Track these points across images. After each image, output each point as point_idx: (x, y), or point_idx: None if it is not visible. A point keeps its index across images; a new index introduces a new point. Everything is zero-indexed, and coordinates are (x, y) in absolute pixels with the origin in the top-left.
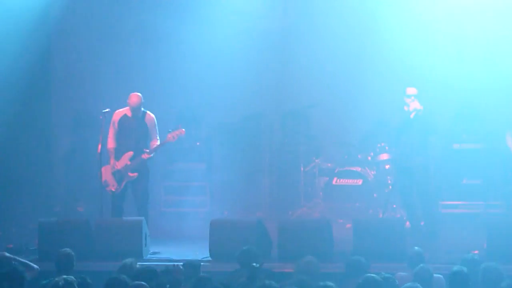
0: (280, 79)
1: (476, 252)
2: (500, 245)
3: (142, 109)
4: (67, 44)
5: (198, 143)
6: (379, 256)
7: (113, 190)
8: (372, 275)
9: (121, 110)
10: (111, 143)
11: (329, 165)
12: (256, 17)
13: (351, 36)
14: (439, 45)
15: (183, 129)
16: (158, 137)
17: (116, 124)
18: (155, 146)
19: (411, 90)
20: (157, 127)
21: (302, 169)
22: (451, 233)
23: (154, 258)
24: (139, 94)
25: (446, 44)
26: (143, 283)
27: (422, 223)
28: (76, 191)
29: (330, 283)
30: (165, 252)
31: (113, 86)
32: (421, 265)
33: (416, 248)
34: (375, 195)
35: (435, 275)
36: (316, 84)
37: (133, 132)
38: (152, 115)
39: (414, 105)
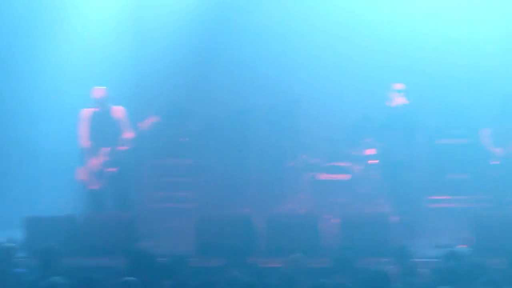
0: (267, 74)
1: (463, 246)
2: (486, 239)
3: (109, 103)
4: None
5: (185, 139)
6: (366, 251)
7: (94, 187)
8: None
9: (89, 107)
10: (84, 141)
11: (316, 160)
12: (243, 11)
13: (338, 31)
14: (424, 40)
15: (156, 117)
16: (130, 130)
17: (86, 121)
18: (129, 137)
19: (397, 86)
20: (127, 119)
21: (288, 164)
22: (437, 228)
23: None
24: (103, 88)
25: (431, 39)
26: None
27: (408, 218)
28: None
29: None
30: (152, 247)
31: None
32: (407, 260)
33: (402, 243)
34: (361, 190)
35: (421, 269)
36: (302, 79)
37: (104, 127)
38: (121, 107)
39: (400, 100)
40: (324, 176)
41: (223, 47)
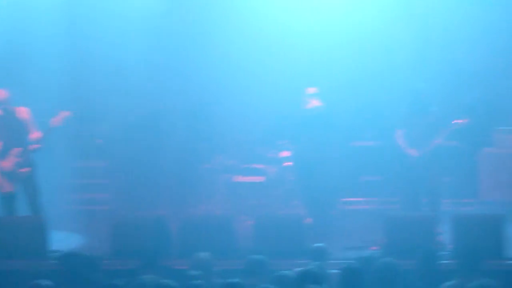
0: (182, 76)
1: (374, 248)
2: (397, 241)
3: (11, 104)
4: None
5: (99, 141)
6: (280, 252)
7: (4, 191)
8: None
9: None
10: None
11: (231, 162)
12: (158, 15)
13: (252, 34)
14: (338, 42)
15: (67, 111)
16: (39, 131)
17: None
18: (37, 137)
19: (311, 88)
20: (33, 119)
21: (204, 166)
22: (350, 230)
23: None
24: (2, 89)
25: (346, 41)
26: None
27: (322, 220)
28: None
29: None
30: (65, 250)
31: None
32: (318, 262)
33: (317, 244)
34: (276, 192)
35: (331, 270)
36: (217, 81)
37: (9, 129)
38: (24, 108)
39: (314, 102)
40: (239, 178)
41: (138, 49)
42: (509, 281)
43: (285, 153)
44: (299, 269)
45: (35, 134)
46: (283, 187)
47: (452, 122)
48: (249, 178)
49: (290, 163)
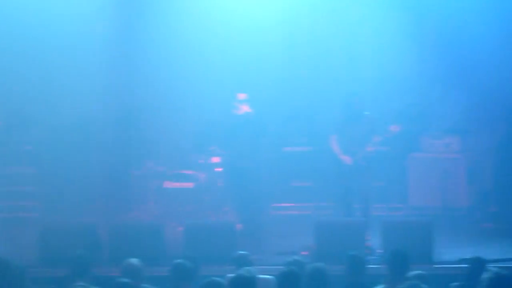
0: (111, 82)
1: (305, 253)
2: (327, 245)
3: None
4: None
5: (27, 147)
6: (210, 258)
7: None
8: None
9: None
10: None
11: (162, 168)
12: (83, 18)
13: (182, 39)
14: (269, 48)
15: None
16: None
17: None
18: None
19: (241, 94)
20: None
21: (134, 172)
22: (281, 235)
23: None
24: None
25: (276, 47)
26: None
27: (253, 225)
28: None
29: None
30: None
31: None
32: (246, 268)
33: (241, 251)
34: (207, 197)
35: (263, 276)
36: (147, 86)
37: None
38: None
39: (245, 108)
40: (169, 184)
41: (67, 54)
42: (437, 285)
43: (216, 159)
44: (230, 275)
45: None
46: (213, 193)
47: (384, 128)
48: (179, 184)
49: (220, 169)
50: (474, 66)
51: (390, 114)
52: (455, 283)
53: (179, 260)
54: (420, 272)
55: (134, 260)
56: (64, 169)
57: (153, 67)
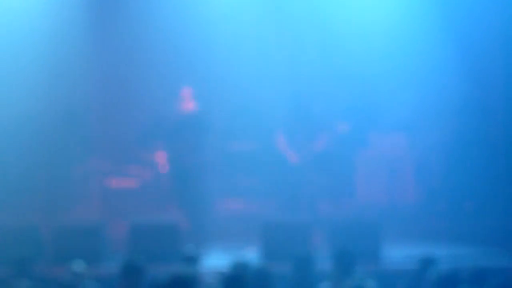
0: (53, 77)
1: (251, 251)
2: (273, 244)
3: None
4: None
5: None
6: (156, 257)
7: None
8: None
9: None
10: None
11: (105, 165)
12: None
13: (127, 35)
14: (215, 43)
15: None
16: None
17: None
18: None
19: (186, 90)
20: None
21: (76, 169)
22: (227, 233)
23: None
24: None
25: (223, 42)
26: None
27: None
28: None
29: None
30: None
31: None
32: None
33: (190, 248)
34: (151, 195)
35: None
36: (91, 82)
37: None
38: None
39: (190, 104)
40: (113, 182)
41: (6, 50)
42: (384, 283)
43: (160, 156)
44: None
45: None
46: (158, 190)
47: (332, 125)
48: (123, 181)
49: (165, 166)
50: (422, 63)
51: (340, 112)
52: (403, 281)
53: (127, 258)
54: (366, 269)
55: (76, 260)
56: (3, 168)
57: (95, 62)
